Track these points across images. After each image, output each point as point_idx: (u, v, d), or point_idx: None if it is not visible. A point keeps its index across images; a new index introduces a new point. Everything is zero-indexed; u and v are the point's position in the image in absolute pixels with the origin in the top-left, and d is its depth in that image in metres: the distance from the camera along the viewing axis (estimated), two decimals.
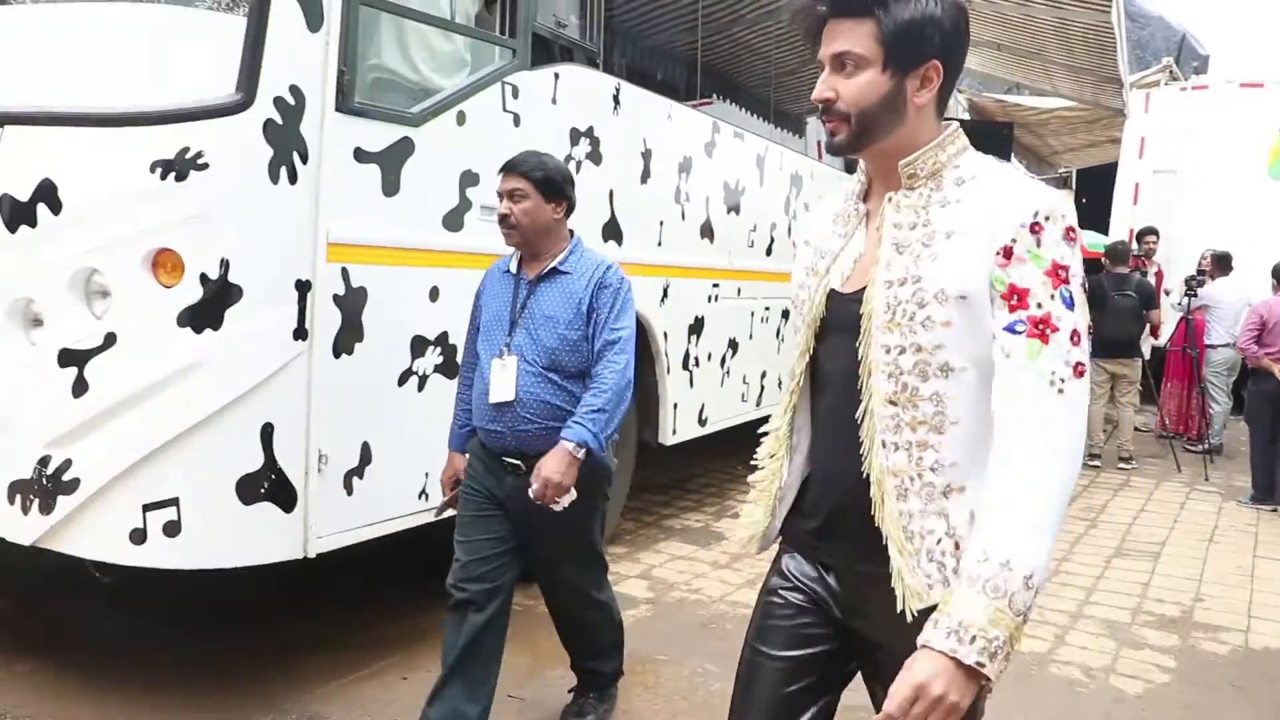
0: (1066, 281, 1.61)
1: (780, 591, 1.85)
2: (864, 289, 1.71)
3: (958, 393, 1.66)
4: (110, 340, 3.11)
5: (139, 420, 3.11)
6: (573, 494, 3.00)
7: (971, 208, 1.66)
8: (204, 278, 3.06)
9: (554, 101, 4.44)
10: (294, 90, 3.17)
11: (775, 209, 7.04)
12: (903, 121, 1.70)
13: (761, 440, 1.91)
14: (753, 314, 6.78)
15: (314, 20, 3.24)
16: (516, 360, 3.09)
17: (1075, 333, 1.60)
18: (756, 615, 1.89)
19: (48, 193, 3.17)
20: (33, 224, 3.19)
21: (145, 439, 3.10)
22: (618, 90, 4.99)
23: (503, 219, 3.14)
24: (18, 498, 3.26)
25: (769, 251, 6.93)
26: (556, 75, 4.45)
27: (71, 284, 3.16)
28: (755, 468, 1.92)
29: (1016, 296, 1.60)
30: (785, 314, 7.15)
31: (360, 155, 3.41)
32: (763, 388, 7.02)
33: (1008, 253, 1.61)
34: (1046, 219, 1.61)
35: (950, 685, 1.50)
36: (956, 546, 1.64)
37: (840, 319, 1.75)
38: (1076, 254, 1.64)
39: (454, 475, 3.32)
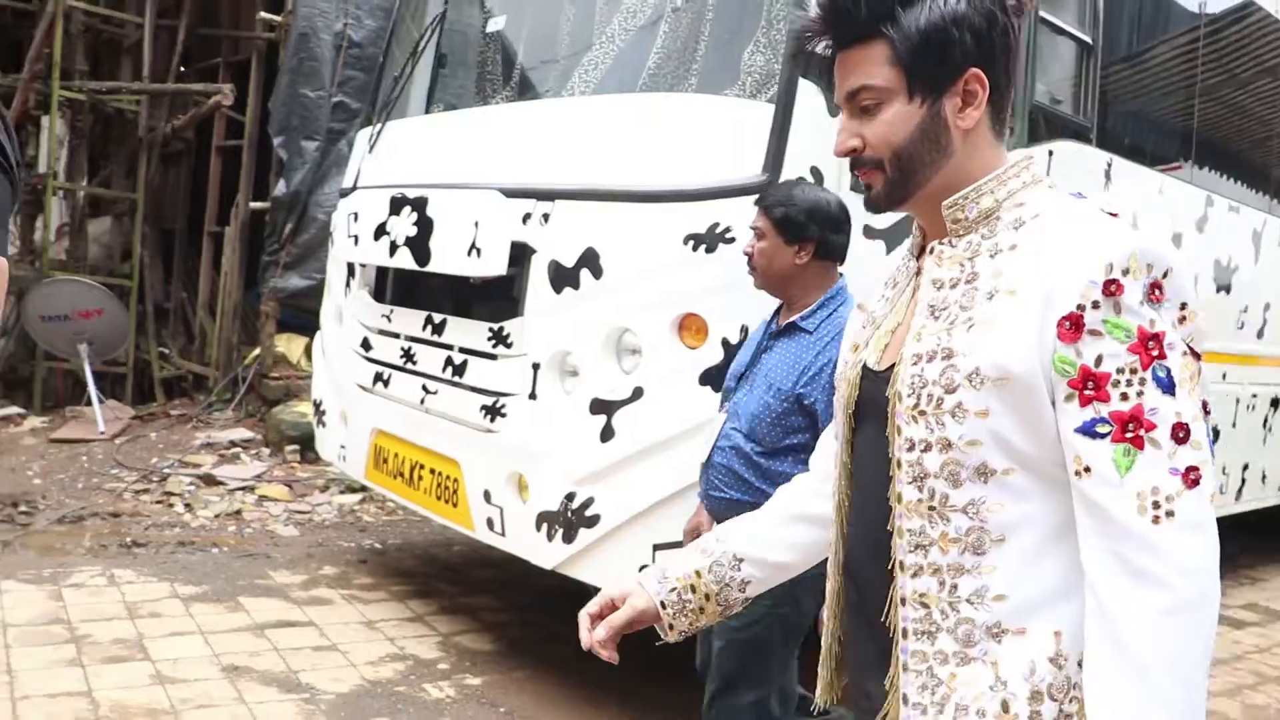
0: (1162, 355, 1.20)
1: None
2: (894, 366, 1.35)
3: (1001, 500, 1.26)
4: (638, 394, 3.46)
5: (658, 467, 3.42)
6: None
7: (1026, 258, 1.27)
8: (725, 342, 3.33)
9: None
10: (814, 171, 3.38)
11: (1270, 287, 6.50)
12: (948, 155, 1.34)
13: None
14: (1238, 400, 6.28)
15: (834, 107, 3.45)
16: (724, 418, 2.87)
17: (1180, 427, 1.20)
18: None
19: (590, 259, 3.59)
20: (576, 286, 3.62)
21: (662, 485, 3.41)
22: (1109, 165, 4.86)
23: (747, 257, 2.88)
24: (544, 526, 3.68)
25: (1260, 334, 6.41)
26: (1051, 152, 4.41)
27: (606, 341, 3.55)
28: None
29: (1092, 384, 1.20)
30: (1275, 402, 6.57)
31: (868, 232, 3.58)
32: (1243, 480, 6.48)
33: (1076, 323, 1.21)
34: (1125, 272, 1.21)
35: None
36: (1005, 709, 1.25)
37: (871, 403, 1.40)
38: (1170, 313, 1.24)
39: (694, 528, 2.94)
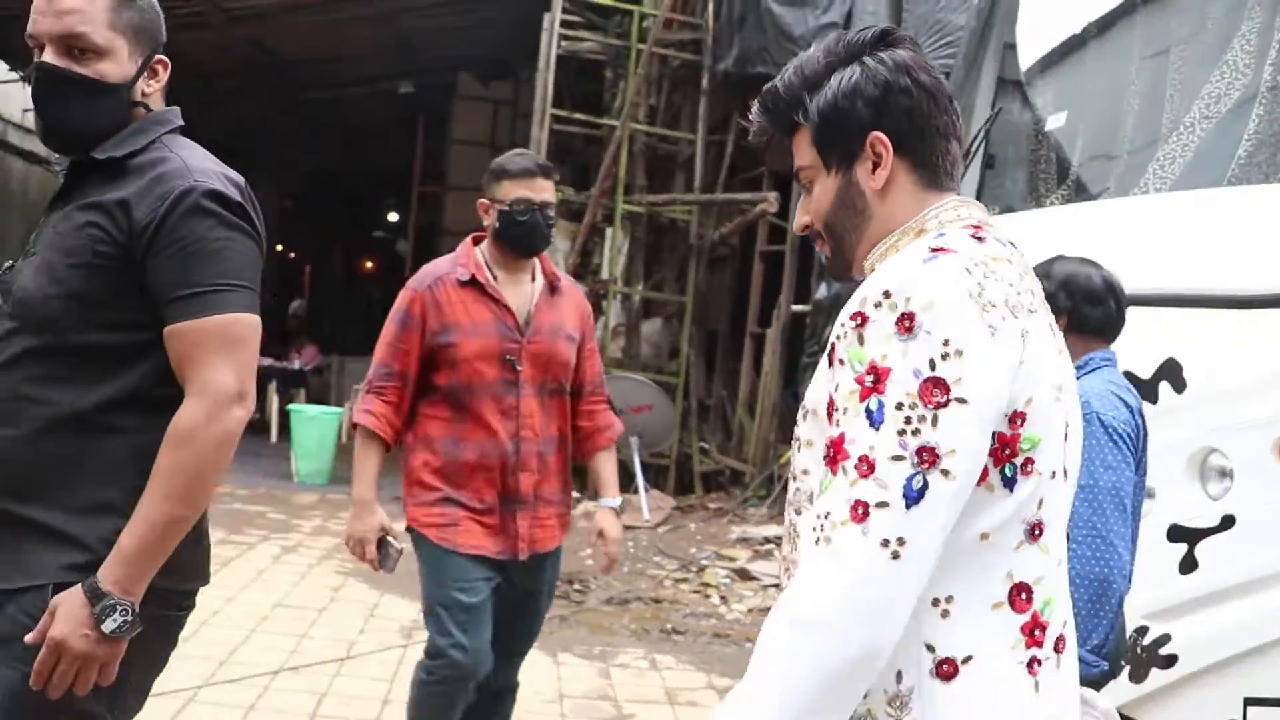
0: (880, 390, 1.21)
1: None
2: None
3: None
4: (1227, 522, 3.07)
5: (1251, 608, 3.01)
6: None
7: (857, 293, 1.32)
8: None
9: None
10: None
11: None
12: (867, 217, 1.42)
13: None
14: None
15: None
16: None
17: (865, 460, 1.19)
18: None
19: (1171, 371, 3.28)
20: (1154, 400, 3.32)
21: (1256, 629, 2.99)
22: None
23: None
24: None
25: None
26: None
27: (1189, 462, 3.20)
28: None
29: (831, 412, 1.26)
30: None
31: None
32: None
33: (831, 352, 1.29)
34: (876, 305, 1.24)
35: None
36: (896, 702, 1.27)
37: None
38: (916, 354, 1.20)
39: None
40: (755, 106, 1.52)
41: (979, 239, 1.35)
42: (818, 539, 1.21)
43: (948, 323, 1.22)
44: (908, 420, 1.19)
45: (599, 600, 6.56)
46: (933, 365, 1.20)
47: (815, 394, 1.35)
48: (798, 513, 1.37)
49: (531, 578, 3.27)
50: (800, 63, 1.46)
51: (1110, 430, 2.57)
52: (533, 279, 3.27)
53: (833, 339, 1.29)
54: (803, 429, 1.38)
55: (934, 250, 1.30)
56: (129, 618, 1.70)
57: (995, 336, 1.24)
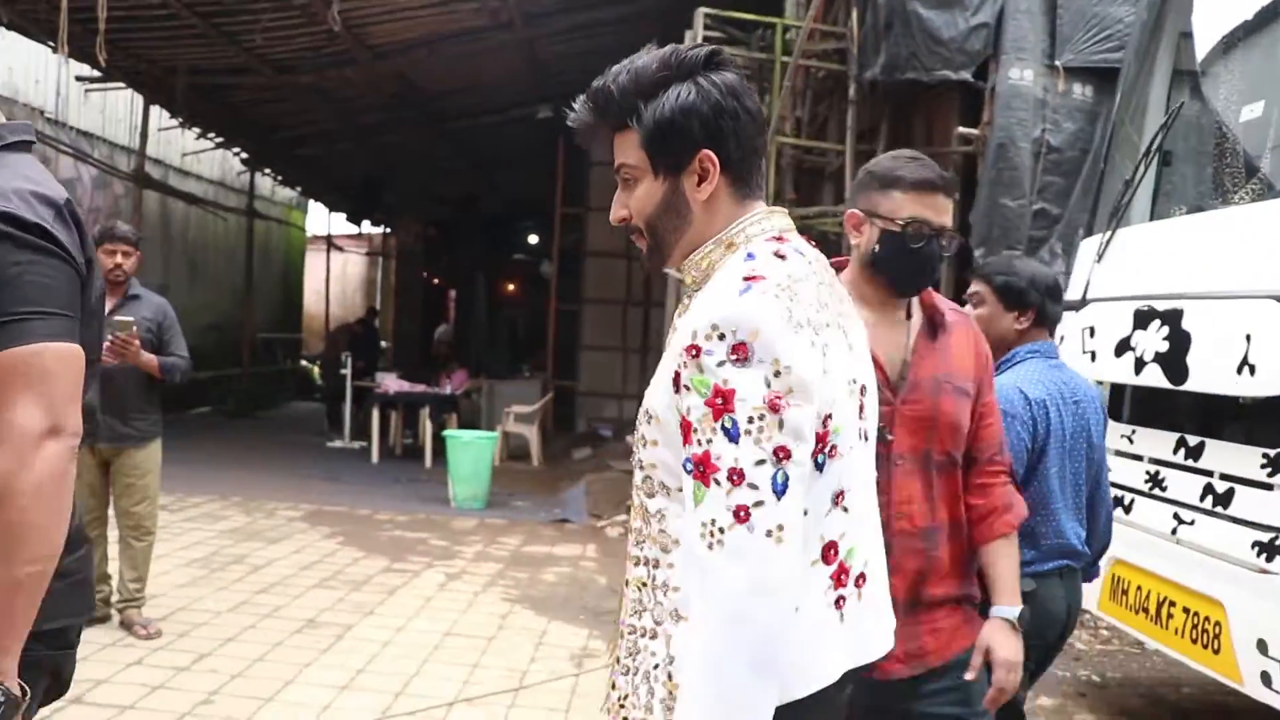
0: (730, 409, 1.46)
1: None
2: None
3: (676, 510, 1.58)
4: None
5: None
6: None
7: (686, 317, 1.60)
8: None
9: None
10: None
11: None
12: (689, 222, 1.64)
13: None
14: None
15: None
16: None
17: (736, 471, 1.45)
18: None
19: None
20: None
21: None
22: None
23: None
24: None
25: None
26: None
27: None
28: None
29: (687, 430, 1.51)
30: None
31: None
32: None
33: (676, 379, 1.54)
34: (707, 338, 1.49)
35: None
36: (670, 678, 1.56)
37: None
38: (753, 374, 1.46)
39: None
40: (582, 101, 1.66)
41: (781, 256, 1.57)
42: (710, 544, 1.45)
43: (774, 346, 1.46)
44: (761, 430, 1.45)
45: None
46: (768, 383, 1.45)
47: (655, 400, 1.59)
48: (649, 495, 1.63)
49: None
50: (635, 68, 1.61)
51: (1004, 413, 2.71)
52: (907, 315, 2.45)
53: (674, 366, 1.53)
54: (646, 430, 1.62)
55: (747, 280, 1.52)
56: (3, 699, 1.57)
57: (811, 350, 1.51)
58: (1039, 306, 3.03)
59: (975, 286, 3.10)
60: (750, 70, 10.45)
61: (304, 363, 23.38)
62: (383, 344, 21.26)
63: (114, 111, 15.72)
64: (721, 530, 1.44)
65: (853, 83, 9.57)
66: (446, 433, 10.91)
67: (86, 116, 15.09)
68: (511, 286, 27.51)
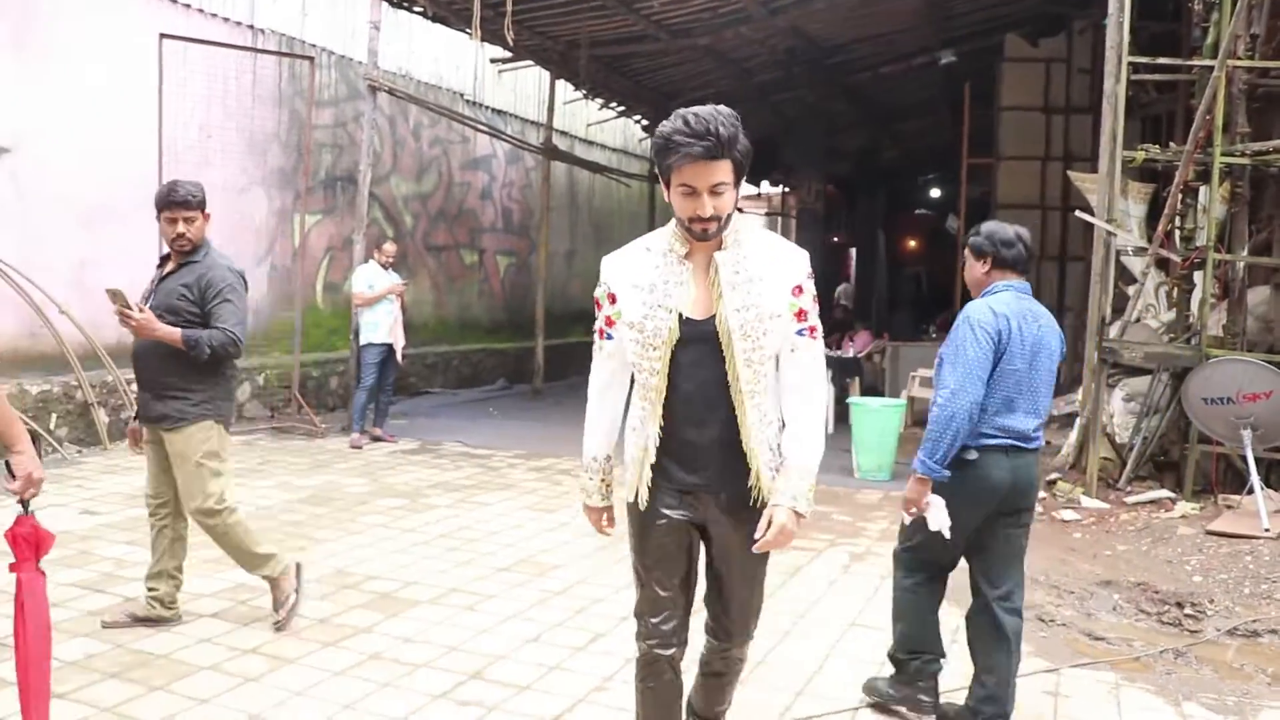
0: (815, 301, 2.98)
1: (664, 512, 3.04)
2: (713, 315, 2.88)
3: (769, 370, 2.92)
4: None
5: None
6: None
7: (761, 259, 2.91)
8: None
9: None
10: None
11: None
12: (734, 214, 2.91)
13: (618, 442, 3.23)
14: None
15: None
16: None
17: (814, 329, 2.97)
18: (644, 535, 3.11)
19: None
20: None
21: None
22: None
23: None
24: None
25: None
26: None
27: None
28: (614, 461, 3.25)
29: (802, 315, 2.93)
30: None
31: None
32: None
33: (799, 288, 2.92)
34: (809, 270, 2.95)
35: (793, 522, 2.89)
36: (777, 450, 2.99)
37: (697, 335, 2.89)
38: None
39: None
40: (703, 136, 2.69)
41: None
42: (822, 366, 3.04)
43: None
44: (818, 309, 3.03)
45: (1218, 631, 5.50)
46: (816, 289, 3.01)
47: (778, 304, 2.92)
48: (761, 364, 2.94)
49: None
50: (725, 119, 2.71)
51: (973, 325, 3.86)
52: None
53: (795, 282, 2.94)
54: (769, 325, 2.93)
55: (787, 243, 3.06)
56: None
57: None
58: (994, 254, 4.09)
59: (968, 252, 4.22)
60: None
61: None
62: None
63: (523, 89, 16.54)
64: (820, 359, 3.00)
65: None
66: (851, 400, 10.47)
67: (500, 96, 15.98)
68: (913, 243, 26.58)
